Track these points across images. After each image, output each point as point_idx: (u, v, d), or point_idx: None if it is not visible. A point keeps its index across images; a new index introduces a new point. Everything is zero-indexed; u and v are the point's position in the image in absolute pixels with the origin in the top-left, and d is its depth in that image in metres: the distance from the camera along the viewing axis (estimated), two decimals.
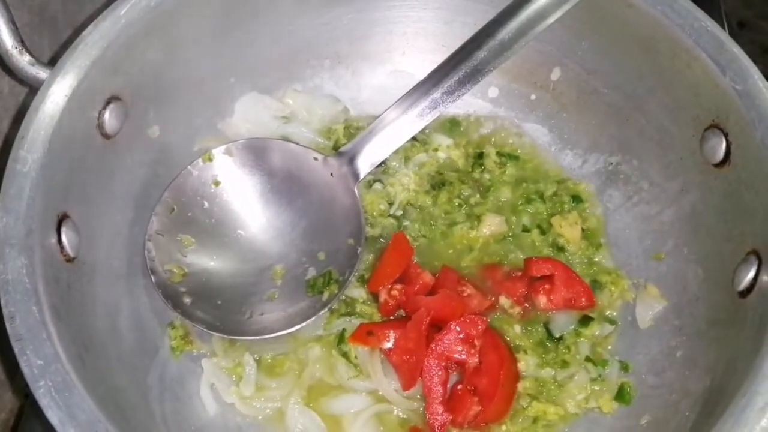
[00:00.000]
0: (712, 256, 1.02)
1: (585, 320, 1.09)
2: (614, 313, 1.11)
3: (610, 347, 1.09)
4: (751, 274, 0.91)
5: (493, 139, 1.25)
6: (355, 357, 1.05)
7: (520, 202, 1.18)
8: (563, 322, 1.09)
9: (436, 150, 1.23)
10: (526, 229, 1.16)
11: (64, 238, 0.90)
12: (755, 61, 0.97)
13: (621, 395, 1.04)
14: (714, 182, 1.00)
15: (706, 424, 0.81)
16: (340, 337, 1.06)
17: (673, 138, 1.07)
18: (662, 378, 1.02)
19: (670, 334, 1.05)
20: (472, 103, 1.26)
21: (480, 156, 1.22)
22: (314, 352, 1.06)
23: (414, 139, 1.17)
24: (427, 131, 1.22)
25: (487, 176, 1.21)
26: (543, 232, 1.16)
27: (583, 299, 1.09)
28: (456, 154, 1.23)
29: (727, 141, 0.97)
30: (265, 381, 1.05)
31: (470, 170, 1.22)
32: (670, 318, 1.06)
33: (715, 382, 0.91)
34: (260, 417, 1.04)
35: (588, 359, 1.07)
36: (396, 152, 1.13)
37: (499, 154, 1.22)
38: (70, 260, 0.90)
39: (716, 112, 0.98)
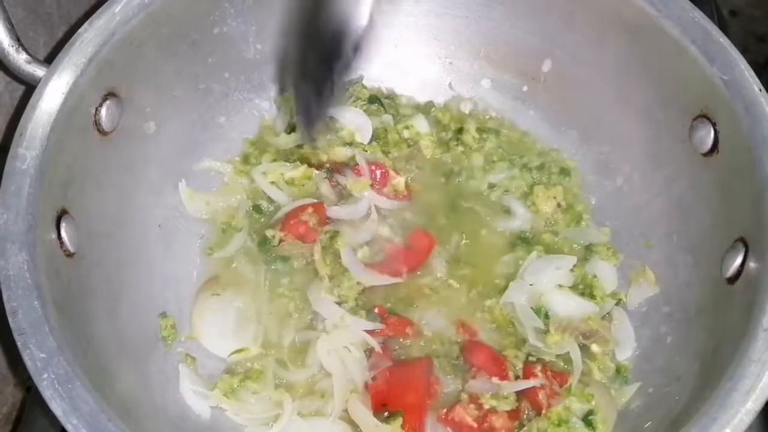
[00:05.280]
0: (701, 244, 1.03)
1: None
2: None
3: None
4: (739, 260, 0.93)
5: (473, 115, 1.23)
6: None
7: (493, 159, 1.17)
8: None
9: (407, 128, 1.20)
10: (491, 186, 1.16)
11: (63, 234, 0.91)
12: (747, 50, 0.98)
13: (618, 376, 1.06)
14: (703, 171, 1.02)
15: (695, 407, 0.83)
16: None
17: (663, 128, 1.08)
18: (653, 364, 1.04)
19: (660, 321, 1.07)
20: (463, 93, 1.27)
21: (459, 131, 1.21)
22: None
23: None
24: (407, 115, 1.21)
25: (460, 148, 1.20)
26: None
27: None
28: (424, 144, 1.20)
29: (715, 131, 0.99)
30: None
31: (446, 149, 1.20)
32: (660, 305, 1.08)
33: (703, 366, 0.93)
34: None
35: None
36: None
37: (479, 129, 1.21)
38: (70, 255, 0.92)
39: (705, 102, 1.00)
